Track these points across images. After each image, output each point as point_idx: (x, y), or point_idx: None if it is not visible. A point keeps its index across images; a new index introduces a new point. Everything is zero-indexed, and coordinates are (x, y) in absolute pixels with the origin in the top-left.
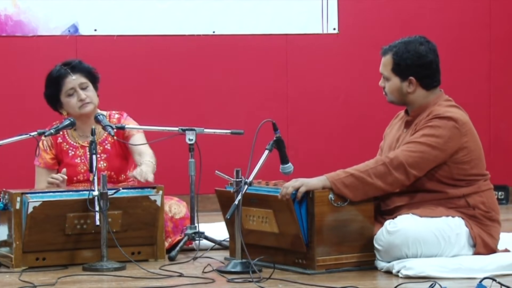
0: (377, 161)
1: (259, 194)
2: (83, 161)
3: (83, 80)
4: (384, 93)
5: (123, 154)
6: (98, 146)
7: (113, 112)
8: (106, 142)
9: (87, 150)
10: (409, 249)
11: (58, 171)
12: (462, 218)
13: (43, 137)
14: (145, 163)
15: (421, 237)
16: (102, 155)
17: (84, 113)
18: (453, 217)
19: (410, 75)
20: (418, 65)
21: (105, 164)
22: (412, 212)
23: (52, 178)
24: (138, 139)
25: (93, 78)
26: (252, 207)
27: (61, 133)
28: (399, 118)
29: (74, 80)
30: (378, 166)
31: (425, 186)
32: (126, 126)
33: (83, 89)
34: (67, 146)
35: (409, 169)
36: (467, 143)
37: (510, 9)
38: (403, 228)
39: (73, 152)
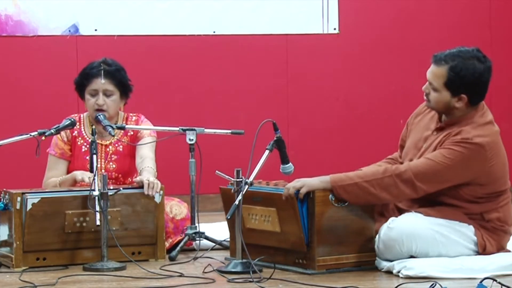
0: (385, 172)
1: (263, 192)
2: None
3: (110, 87)
4: (426, 98)
5: (134, 155)
6: (110, 147)
7: (131, 114)
8: (119, 143)
9: (100, 149)
10: (404, 244)
11: (69, 163)
12: (473, 226)
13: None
14: (146, 170)
15: (416, 233)
16: (113, 156)
17: (95, 117)
18: (461, 222)
19: (462, 93)
20: (474, 85)
21: (114, 166)
22: (415, 211)
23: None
24: (147, 141)
25: (123, 89)
26: (255, 205)
27: (77, 126)
28: (428, 111)
29: (102, 84)
30: (385, 177)
31: (442, 200)
32: (126, 127)
33: (106, 95)
34: (82, 141)
35: (418, 184)
36: (493, 166)
37: (510, 9)
38: (399, 224)
39: (86, 148)
